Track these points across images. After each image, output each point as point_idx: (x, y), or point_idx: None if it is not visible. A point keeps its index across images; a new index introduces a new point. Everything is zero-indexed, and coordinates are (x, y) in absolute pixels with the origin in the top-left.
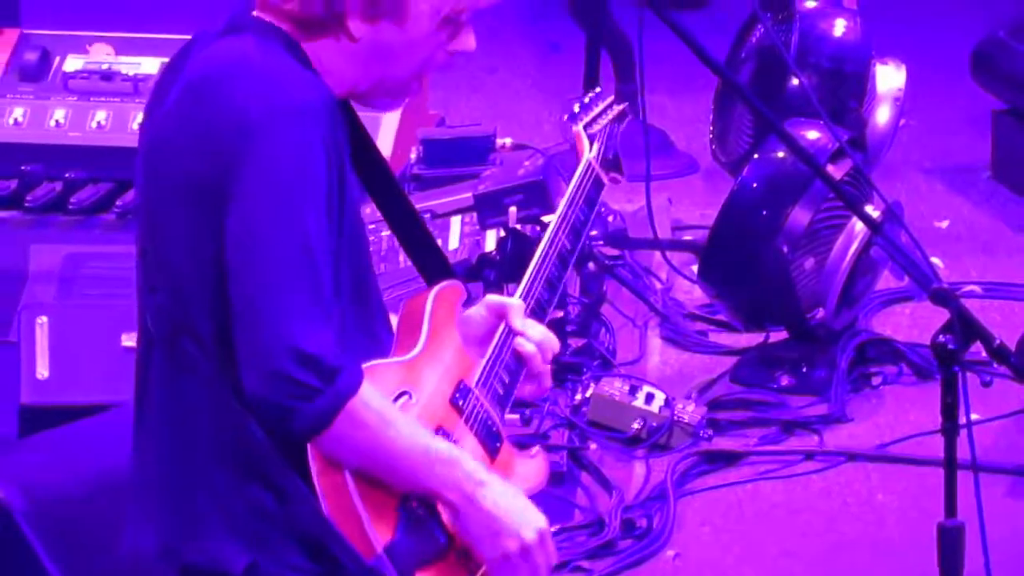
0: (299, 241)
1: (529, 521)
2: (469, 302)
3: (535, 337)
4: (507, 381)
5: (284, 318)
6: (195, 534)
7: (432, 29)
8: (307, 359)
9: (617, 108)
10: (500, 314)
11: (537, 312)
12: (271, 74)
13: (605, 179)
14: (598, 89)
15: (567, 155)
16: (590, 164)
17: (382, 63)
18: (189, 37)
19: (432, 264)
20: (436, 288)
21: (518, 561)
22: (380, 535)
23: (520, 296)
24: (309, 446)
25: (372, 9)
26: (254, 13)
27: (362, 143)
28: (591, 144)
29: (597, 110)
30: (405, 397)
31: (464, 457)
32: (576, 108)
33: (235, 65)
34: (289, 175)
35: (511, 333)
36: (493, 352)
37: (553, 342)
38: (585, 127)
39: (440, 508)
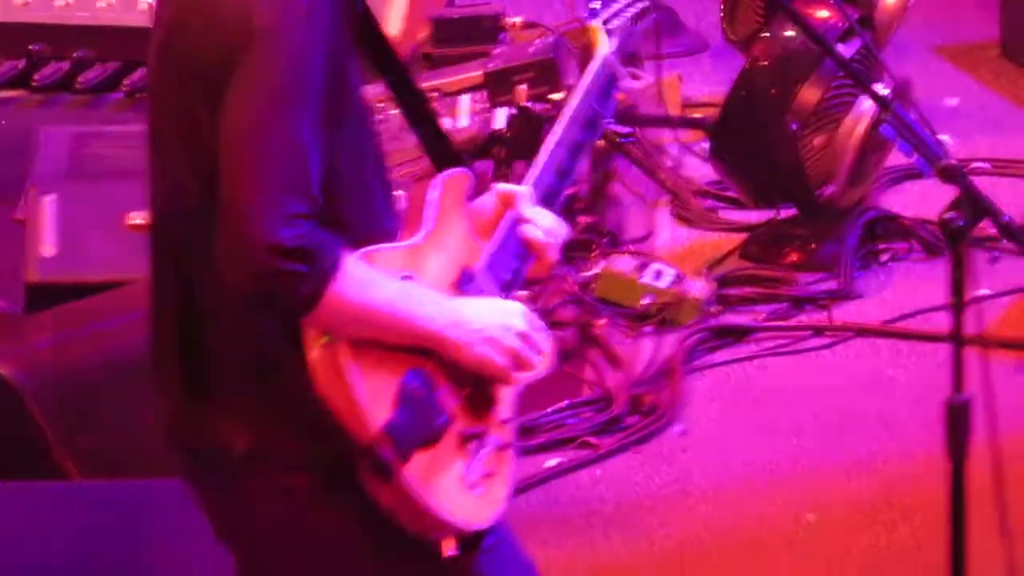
0: (288, 140)
1: (511, 315)
2: (479, 186)
3: (544, 224)
4: (514, 267)
5: (266, 212)
6: (196, 414)
7: None
8: (286, 249)
9: (639, 5)
10: (508, 202)
11: (547, 201)
12: None
13: (622, 73)
14: None
15: (579, 38)
16: (606, 58)
17: None
18: None
19: (439, 146)
20: (442, 175)
21: (522, 347)
22: (376, 413)
23: (529, 183)
24: (303, 324)
25: None
26: None
27: (367, 25)
28: (609, 38)
29: (618, 6)
30: (408, 280)
31: (441, 297)
32: (598, 4)
33: None
34: (287, 75)
35: (519, 220)
36: (500, 238)
37: (562, 229)
38: (604, 21)
39: (439, 383)
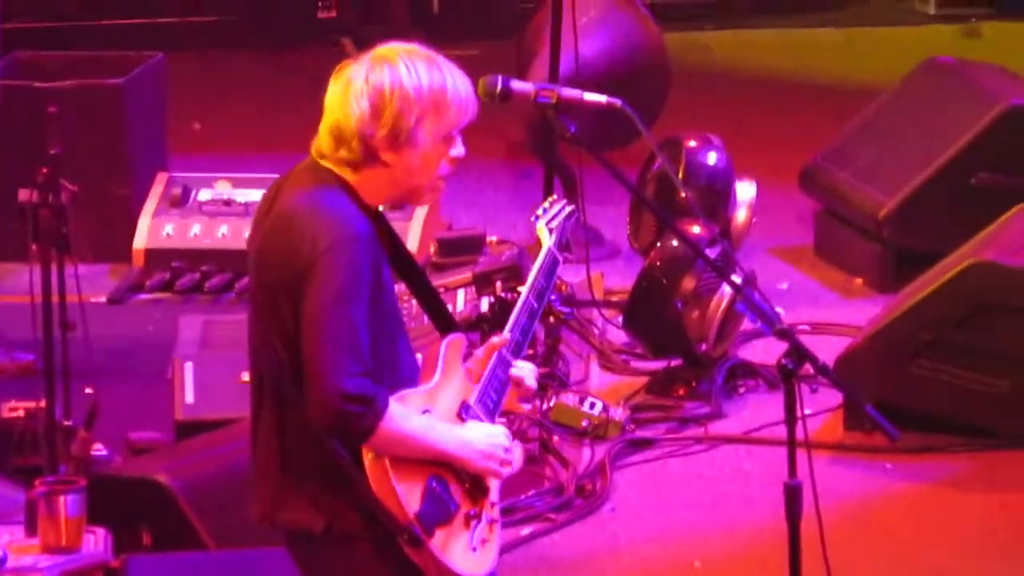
0: (347, 324)
1: (497, 437)
2: (470, 347)
3: (523, 366)
4: (495, 399)
5: (335, 373)
6: (288, 505)
7: (435, 146)
8: (351, 397)
9: (568, 209)
10: (495, 345)
11: (516, 350)
12: (330, 215)
13: (560, 257)
14: (554, 197)
15: (533, 247)
16: (550, 249)
17: (408, 175)
18: (278, 176)
19: (444, 322)
20: (447, 339)
21: (504, 460)
22: (411, 505)
23: (506, 334)
24: (362, 447)
25: (394, 143)
26: (319, 160)
27: (395, 245)
28: (550, 235)
29: (555, 210)
30: (427, 413)
31: (455, 428)
32: (540, 211)
33: (308, 207)
34: (342, 282)
35: (497, 365)
36: (485, 380)
37: (533, 369)
38: (546, 223)
39: (450, 483)
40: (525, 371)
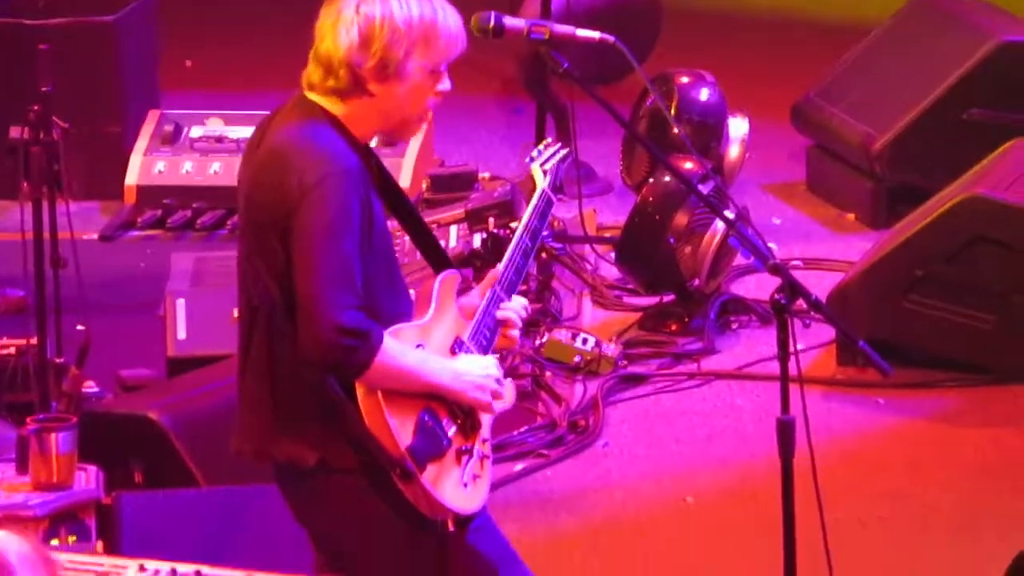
0: (339, 258)
1: (489, 369)
2: (464, 283)
3: (511, 306)
4: (488, 336)
5: (330, 307)
6: (280, 440)
7: (423, 79)
8: (346, 331)
9: (563, 152)
10: (489, 282)
11: (509, 288)
12: (318, 150)
13: (554, 199)
14: (549, 139)
15: (526, 183)
16: (544, 190)
17: (395, 107)
18: (268, 112)
19: (437, 258)
20: (441, 275)
21: (496, 391)
22: (403, 439)
23: (499, 272)
24: (356, 381)
25: (382, 74)
26: (306, 94)
27: (386, 180)
28: (545, 176)
29: (548, 153)
30: (420, 348)
31: (447, 360)
32: (535, 153)
33: (297, 142)
34: (332, 216)
35: (492, 303)
36: (479, 318)
37: (522, 309)
38: (541, 165)
39: (442, 417)
40: (511, 312)
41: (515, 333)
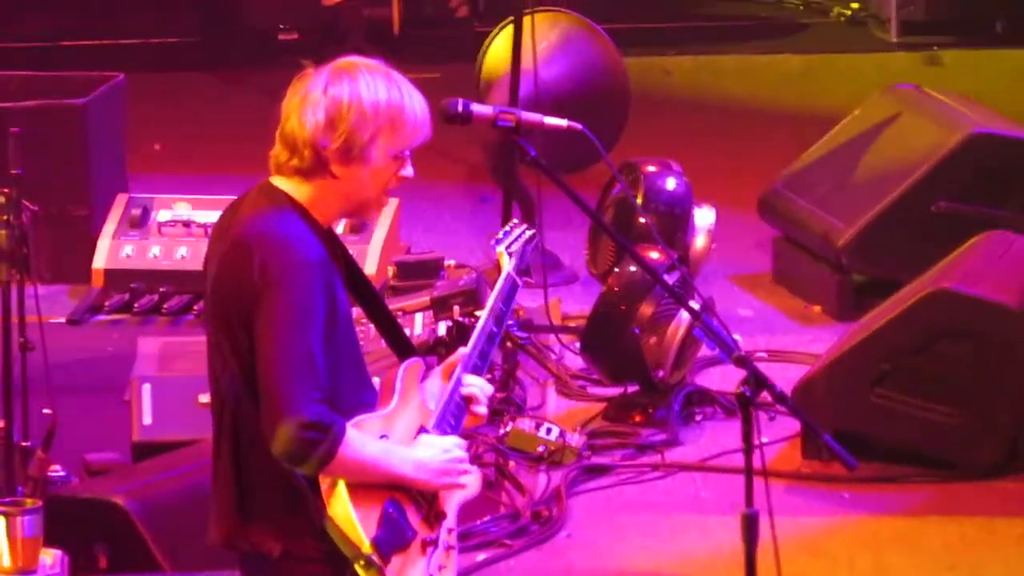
0: (302, 350)
1: (451, 452)
2: (427, 371)
3: (475, 383)
4: (453, 422)
5: (292, 400)
6: (245, 528)
7: (386, 163)
8: (308, 424)
9: (528, 234)
10: (450, 368)
11: (474, 373)
12: (282, 239)
13: (519, 282)
14: (515, 221)
15: (491, 272)
16: (509, 274)
17: (357, 190)
18: (235, 198)
19: (402, 346)
20: (404, 364)
21: (461, 471)
22: (367, 531)
23: (464, 356)
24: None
25: (346, 156)
26: (271, 180)
27: (350, 268)
28: (510, 259)
29: (514, 235)
30: (384, 438)
31: (406, 451)
32: (500, 235)
33: (261, 232)
34: (295, 307)
35: (455, 389)
36: (443, 404)
37: (487, 386)
38: (506, 247)
39: (407, 508)
40: (475, 388)
41: (482, 409)
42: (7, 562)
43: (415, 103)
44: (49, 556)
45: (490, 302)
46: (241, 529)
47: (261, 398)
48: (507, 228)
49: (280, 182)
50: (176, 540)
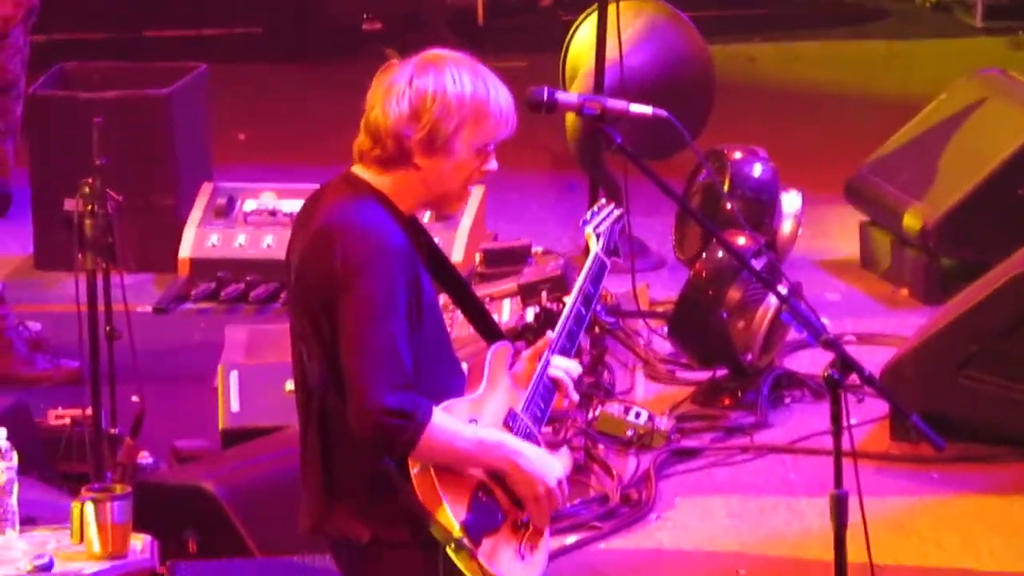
0: (384, 338)
1: (552, 470)
2: (515, 356)
3: (563, 365)
4: (543, 406)
5: (374, 387)
6: (334, 515)
7: (470, 157)
8: (391, 411)
9: (615, 213)
10: (539, 352)
11: (562, 355)
12: (365, 229)
13: (608, 263)
14: (603, 201)
15: (579, 259)
16: (597, 255)
17: (439, 181)
18: (318, 187)
19: (490, 331)
20: (493, 347)
21: (545, 497)
22: (457, 514)
23: (552, 338)
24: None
25: (429, 148)
26: (353, 169)
27: (435, 256)
28: (598, 240)
29: (602, 215)
30: (473, 422)
31: (505, 438)
32: (588, 216)
33: (343, 221)
34: (378, 296)
35: (544, 372)
36: (532, 388)
37: (575, 366)
38: (594, 228)
39: (497, 492)
40: (561, 371)
41: (573, 395)
42: (97, 547)
43: (500, 97)
44: (139, 541)
45: (579, 283)
46: (330, 515)
47: (345, 386)
48: (594, 208)
49: (362, 171)
50: (265, 525)
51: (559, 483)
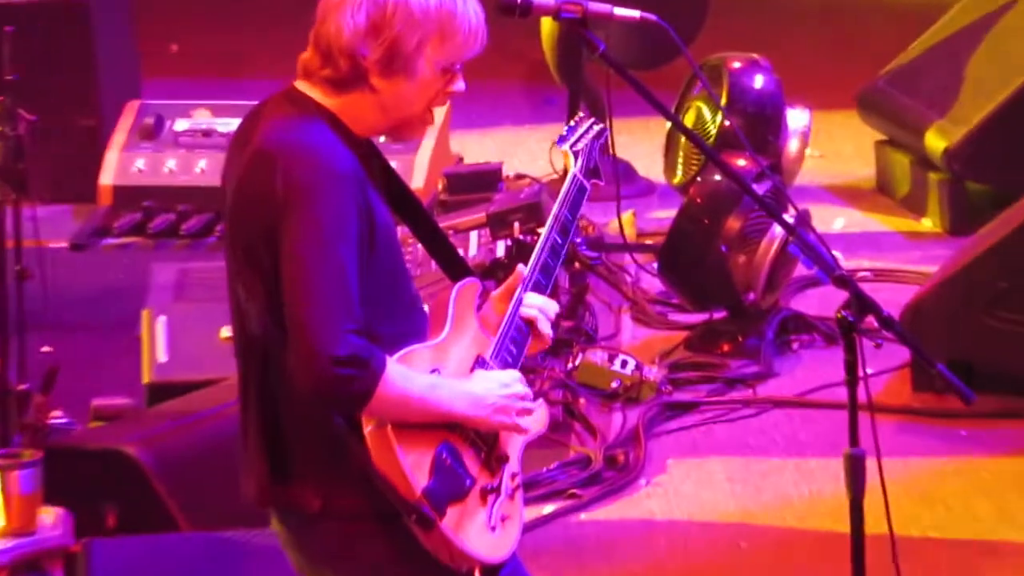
0: (333, 274)
1: (510, 386)
2: (484, 295)
3: (536, 303)
4: (515, 351)
5: (322, 332)
6: (280, 482)
7: (434, 77)
8: (342, 360)
9: (596, 128)
10: (510, 290)
11: (536, 290)
12: (309, 150)
13: (587, 185)
14: (580, 114)
15: (556, 183)
16: (575, 176)
17: (398, 106)
18: (257, 104)
19: (455, 267)
20: (458, 286)
21: (522, 409)
22: (418, 480)
23: (525, 273)
24: (360, 415)
25: (389, 68)
26: (297, 84)
27: (392, 182)
28: (576, 159)
29: (580, 131)
30: (435, 372)
31: (461, 383)
32: (564, 131)
33: (285, 141)
34: (324, 225)
35: (516, 311)
36: (503, 330)
37: (552, 305)
38: (571, 146)
39: (463, 451)
40: (535, 310)
41: (546, 328)
42: (1, 521)
43: (469, 9)
44: (50, 515)
45: (555, 209)
46: (274, 482)
47: (288, 329)
48: (571, 124)
49: (308, 88)
50: (196, 496)
51: (524, 398)
